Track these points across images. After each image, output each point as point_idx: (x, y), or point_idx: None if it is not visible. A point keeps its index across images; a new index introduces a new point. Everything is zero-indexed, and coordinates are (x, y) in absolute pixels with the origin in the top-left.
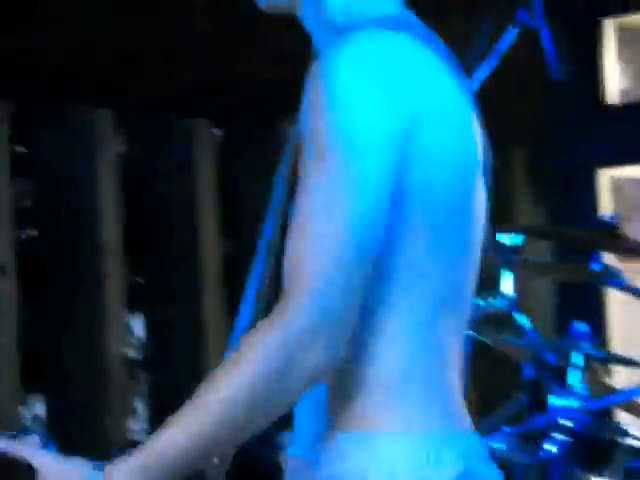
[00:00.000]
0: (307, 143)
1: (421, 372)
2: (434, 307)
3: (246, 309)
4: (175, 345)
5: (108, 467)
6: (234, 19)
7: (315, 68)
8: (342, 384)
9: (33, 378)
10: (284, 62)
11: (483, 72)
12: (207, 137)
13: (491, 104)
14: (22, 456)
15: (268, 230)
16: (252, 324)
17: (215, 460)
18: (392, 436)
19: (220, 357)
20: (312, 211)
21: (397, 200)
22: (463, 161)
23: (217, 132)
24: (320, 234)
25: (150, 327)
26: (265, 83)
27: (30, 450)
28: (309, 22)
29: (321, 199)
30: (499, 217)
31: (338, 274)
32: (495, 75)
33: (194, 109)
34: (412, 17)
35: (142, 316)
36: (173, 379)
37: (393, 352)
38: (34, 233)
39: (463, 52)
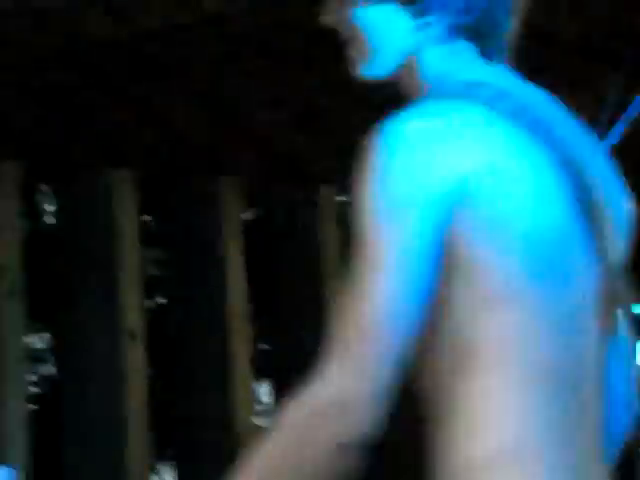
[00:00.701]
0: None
1: (526, 451)
2: (536, 381)
3: None
4: None
5: None
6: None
7: (373, 138)
8: (441, 465)
9: (163, 445)
10: None
11: (619, 130)
12: (331, 203)
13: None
14: None
15: None
16: None
17: None
18: None
19: None
20: (351, 285)
21: (465, 274)
22: (540, 226)
23: (342, 198)
24: (350, 309)
25: (277, 394)
26: None
27: None
28: (406, 89)
29: (358, 272)
30: None
31: (358, 350)
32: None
33: (318, 176)
34: (508, 82)
35: (269, 383)
36: None
37: (492, 432)
38: (163, 300)
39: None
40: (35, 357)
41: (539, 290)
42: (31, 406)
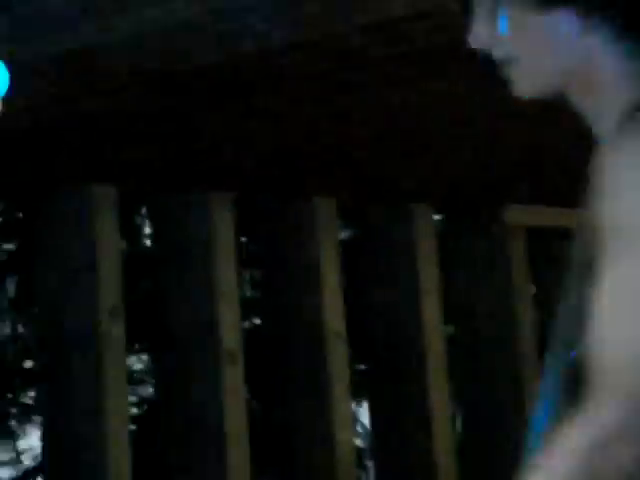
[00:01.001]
0: (608, 230)
1: None
2: None
3: (545, 401)
4: (402, 432)
5: None
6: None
7: (607, 151)
8: None
9: (263, 466)
10: (507, 147)
11: None
12: (428, 221)
13: None
14: None
15: (561, 321)
16: (555, 416)
17: None
18: None
19: (446, 441)
20: (621, 304)
21: None
22: None
23: (437, 217)
24: (629, 334)
25: (375, 414)
26: (486, 169)
27: None
28: (580, 99)
29: (630, 291)
30: None
31: (634, 380)
32: None
33: (413, 194)
34: None
35: (367, 403)
36: (400, 467)
37: None
38: (259, 321)
39: None
40: (135, 378)
41: None
42: (131, 427)
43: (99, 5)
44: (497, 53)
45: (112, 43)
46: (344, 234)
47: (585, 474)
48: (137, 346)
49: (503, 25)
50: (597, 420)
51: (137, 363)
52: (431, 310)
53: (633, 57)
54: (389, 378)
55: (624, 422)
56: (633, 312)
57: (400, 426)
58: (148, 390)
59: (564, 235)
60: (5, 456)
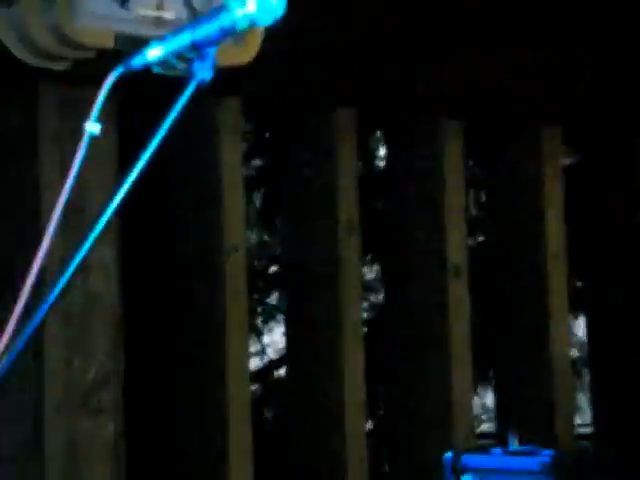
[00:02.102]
0: None
1: None
2: None
3: None
4: (617, 344)
5: None
6: None
7: None
8: None
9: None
10: None
11: None
12: None
13: None
14: None
15: None
16: None
17: None
18: None
19: None
20: None
21: None
22: None
23: None
24: None
25: (591, 327)
26: None
27: None
28: None
29: None
30: None
31: None
32: None
33: None
34: None
35: (584, 318)
36: (617, 376)
37: None
38: (482, 239)
39: None
40: (367, 286)
41: None
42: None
43: None
44: None
45: None
46: (571, 160)
47: None
48: (370, 256)
49: None
50: None
51: (370, 273)
52: None
53: None
54: (607, 294)
55: None
56: None
57: (615, 338)
58: (379, 297)
59: None
60: (252, 349)
